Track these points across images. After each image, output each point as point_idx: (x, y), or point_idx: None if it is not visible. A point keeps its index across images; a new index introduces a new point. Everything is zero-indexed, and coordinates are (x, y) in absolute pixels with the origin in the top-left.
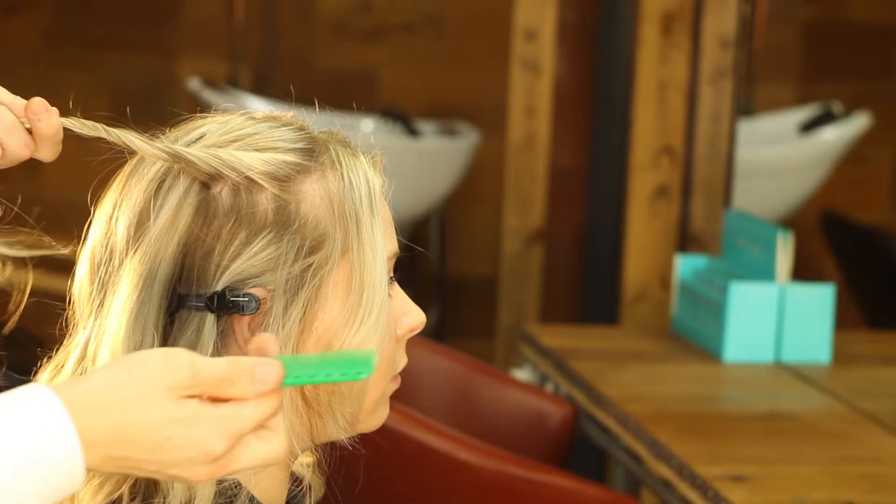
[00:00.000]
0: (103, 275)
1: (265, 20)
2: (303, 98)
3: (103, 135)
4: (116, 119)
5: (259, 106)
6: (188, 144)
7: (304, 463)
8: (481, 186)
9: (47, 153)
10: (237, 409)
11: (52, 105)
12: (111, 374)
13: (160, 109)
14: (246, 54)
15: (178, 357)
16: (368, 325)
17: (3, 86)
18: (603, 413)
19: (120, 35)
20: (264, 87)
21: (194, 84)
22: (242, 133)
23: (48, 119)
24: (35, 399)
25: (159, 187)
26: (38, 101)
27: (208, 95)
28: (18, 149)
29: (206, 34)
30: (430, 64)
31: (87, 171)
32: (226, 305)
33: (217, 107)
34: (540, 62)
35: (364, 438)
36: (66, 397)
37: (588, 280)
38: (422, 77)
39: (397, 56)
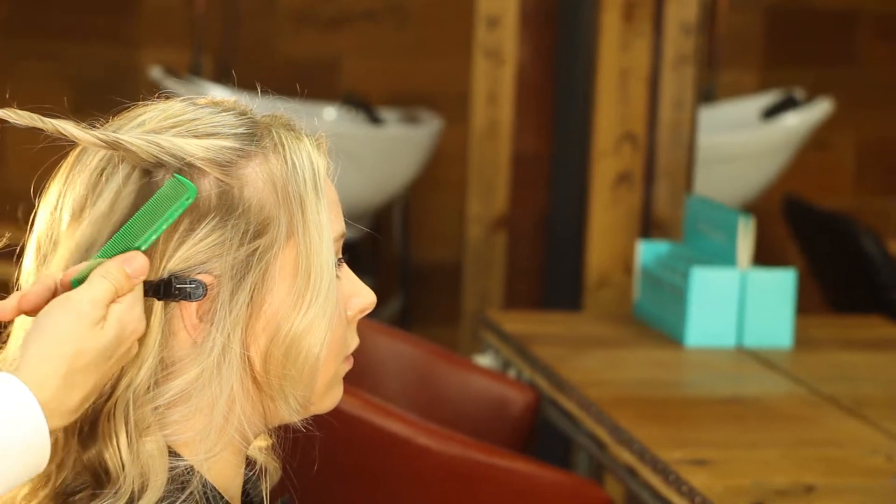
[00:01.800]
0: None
1: (226, 9)
2: (265, 86)
3: (38, 125)
4: (79, 109)
5: (221, 95)
6: (128, 132)
7: (259, 446)
8: (445, 173)
9: None
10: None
11: (14, 95)
12: (45, 344)
13: (122, 99)
14: (208, 43)
15: (74, 300)
16: (316, 307)
17: None
18: (565, 398)
19: (81, 24)
20: (226, 76)
21: (156, 73)
22: (182, 119)
23: None
24: (2, 384)
25: (100, 176)
26: None
27: (170, 85)
28: None
29: (168, 23)
30: (393, 52)
31: (55, 163)
32: (172, 292)
33: (160, 93)
34: (502, 50)
35: (319, 420)
36: (25, 378)
37: (551, 266)
38: (384, 65)
39: (359, 44)
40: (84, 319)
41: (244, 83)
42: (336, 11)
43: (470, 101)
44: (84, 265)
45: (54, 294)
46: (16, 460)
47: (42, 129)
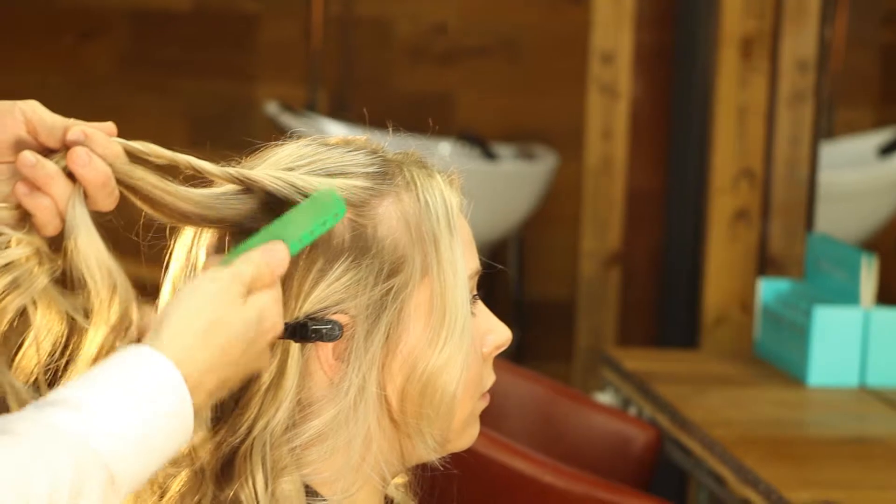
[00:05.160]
0: None
1: (342, 44)
2: (380, 122)
3: (175, 160)
4: (195, 143)
5: (337, 130)
6: (261, 170)
7: (397, 483)
8: (559, 209)
9: (103, 202)
10: (272, 290)
11: (130, 130)
12: (184, 311)
13: (237, 134)
14: (323, 78)
15: (215, 272)
16: (452, 344)
17: (80, 110)
18: (688, 437)
19: (197, 59)
20: (342, 111)
21: (272, 108)
22: (315, 158)
23: (93, 166)
24: (146, 359)
25: None
26: (81, 151)
27: (286, 120)
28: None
29: (284, 58)
30: (506, 87)
31: None
32: (308, 334)
33: (291, 132)
34: (617, 85)
35: (455, 458)
36: (170, 353)
37: (666, 303)
38: (498, 100)
39: (473, 79)
40: (224, 290)
41: (359, 118)
42: (450, 46)
43: (584, 136)
44: (230, 253)
45: None
46: (164, 424)
47: (176, 165)
